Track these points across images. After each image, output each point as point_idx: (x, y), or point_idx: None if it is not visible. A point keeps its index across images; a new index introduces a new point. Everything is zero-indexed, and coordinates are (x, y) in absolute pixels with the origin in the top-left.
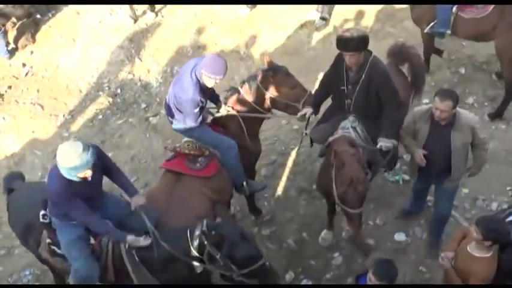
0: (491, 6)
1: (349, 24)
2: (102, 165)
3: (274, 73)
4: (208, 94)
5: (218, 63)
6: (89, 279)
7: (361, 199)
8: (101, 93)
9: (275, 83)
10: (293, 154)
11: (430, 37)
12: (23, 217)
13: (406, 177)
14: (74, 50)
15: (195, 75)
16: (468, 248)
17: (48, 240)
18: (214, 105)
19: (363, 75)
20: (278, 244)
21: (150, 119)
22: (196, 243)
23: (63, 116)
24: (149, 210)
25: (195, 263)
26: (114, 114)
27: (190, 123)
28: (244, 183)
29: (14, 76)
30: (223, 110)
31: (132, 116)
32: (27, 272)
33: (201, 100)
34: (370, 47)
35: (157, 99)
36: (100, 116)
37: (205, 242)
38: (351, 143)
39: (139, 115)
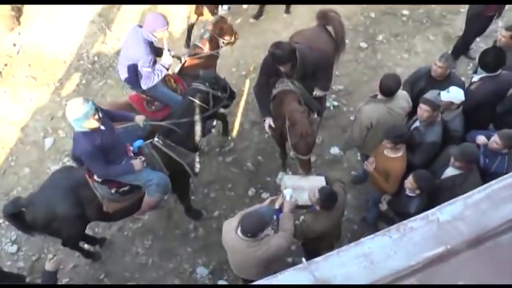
0: None
1: None
2: (105, 113)
3: (220, 21)
4: (157, 51)
5: (159, 18)
6: (168, 185)
7: (310, 148)
8: (81, 61)
9: (224, 29)
10: (244, 95)
11: None
12: (69, 204)
13: (335, 103)
14: (54, 28)
15: (142, 36)
16: (385, 152)
17: (112, 191)
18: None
19: (296, 67)
20: (239, 168)
21: None
22: (203, 97)
23: (54, 84)
24: (147, 119)
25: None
26: (94, 78)
27: (145, 84)
28: None
29: (7, 55)
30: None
31: (110, 78)
32: None
33: (152, 56)
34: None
35: None
36: (83, 81)
37: (210, 90)
38: (298, 99)
39: (115, 77)
